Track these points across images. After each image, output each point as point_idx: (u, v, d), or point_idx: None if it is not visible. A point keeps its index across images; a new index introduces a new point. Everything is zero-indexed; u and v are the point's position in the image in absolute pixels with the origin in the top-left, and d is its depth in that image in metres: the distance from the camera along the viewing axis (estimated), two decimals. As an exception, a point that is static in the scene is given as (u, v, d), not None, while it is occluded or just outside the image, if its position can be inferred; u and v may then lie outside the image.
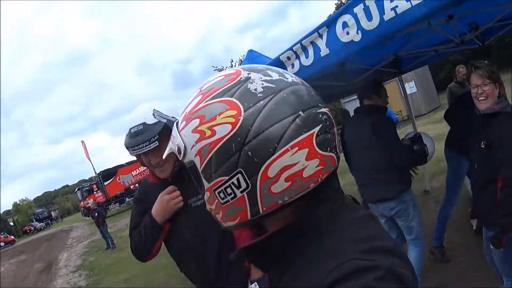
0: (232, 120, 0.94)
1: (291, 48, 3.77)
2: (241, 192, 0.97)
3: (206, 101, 1.00)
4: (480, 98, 3.28)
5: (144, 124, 2.44)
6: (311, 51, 3.57)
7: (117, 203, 41.17)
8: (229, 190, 0.98)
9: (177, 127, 1.08)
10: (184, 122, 1.03)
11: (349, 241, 0.93)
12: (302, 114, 0.97)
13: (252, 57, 7.16)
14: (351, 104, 20.77)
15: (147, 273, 10.81)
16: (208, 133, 0.96)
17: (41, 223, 74.43)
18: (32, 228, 70.71)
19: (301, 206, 1.02)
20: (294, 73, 1.23)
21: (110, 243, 18.76)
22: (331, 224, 1.00)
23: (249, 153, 0.93)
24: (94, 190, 41.70)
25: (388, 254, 0.91)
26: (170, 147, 1.11)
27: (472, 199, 3.76)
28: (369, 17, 2.98)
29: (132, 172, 40.38)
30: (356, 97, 5.06)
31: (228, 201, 0.99)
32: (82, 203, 42.69)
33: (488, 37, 5.94)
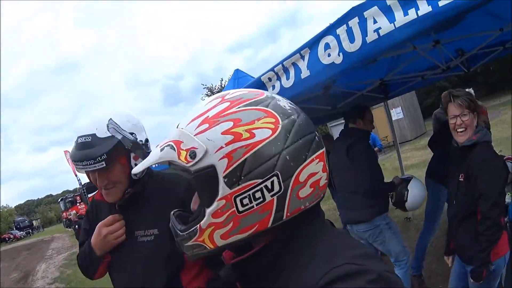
0: (272, 126, 1.00)
1: (272, 69, 3.69)
2: (272, 195, 0.99)
3: (238, 107, 1.03)
4: (459, 130, 3.22)
5: (93, 136, 2.08)
6: (292, 72, 3.48)
7: (100, 216, 40.59)
8: (258, 195, 0.98)
9: (186, 131, 1.06)
10: (205, 125, 1.02)
11: (340, 248, 0.99)
12: (317, 134, 1.08)
13: (238, 76, 7.22)
14: (338, 128, 20.89)
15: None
16: (246, 135, 0.99)
17: (22, 232, 72.57)
18: (11, 236, 68.65)
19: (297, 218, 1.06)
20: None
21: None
22: (320, 234, 1.06)
23: (287, 157, 1.00)
24: (78, 201, 41.08)
25: (378, 261, 0.96)
26: (169, 155, 1.05)
27: (448, 234, 3.66)
28: (351, 38, 2.90)
29: (116, 185, 39.79)
30: (342, 121, 5.08)
31: (251, 207, 0.99)
32: (64, 214, 41.84)
33: (473, 64, 6.02)
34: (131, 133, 2.18)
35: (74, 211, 28.43)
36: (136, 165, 2.07)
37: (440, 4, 2.46)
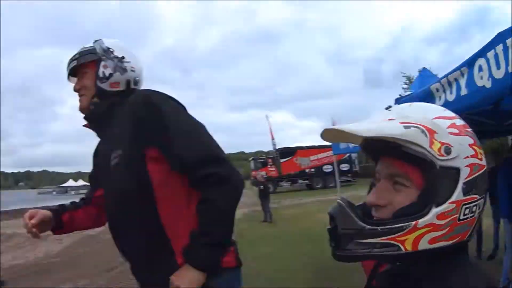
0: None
1: (439, 80, 3.76)
2: (479, 213, 1.04)
3: (471, 129, 1.10)
4: None
5: (83, 47, 2.35)
6: (454, 88, 3.48)
7: (289, 182, 40.99)
8: (474, 208, 1.02)
9: (440, 124, 1.06)
10: (456, 130, 1.05)
11: (477, 279, 1.03)
12: None
13: (425, 75, 7.21)
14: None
15: (291, 247, 11.34)
16: (480, 155, 1.04)
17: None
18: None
19: None
20: (441, 105, 1.34)
21: (267, 217, 18.51)
22: (463, 263, 1.07)
23: None
24: (269, 164, 41.25)
25: None
26: (418, 138, 1.01)
27: None
28: (498, 65, 2.77)
29: (311, 157, 39.85)
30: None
31: (467, 218, 1.01)
32: (253, 172, 39.63)
33: None
34: (109, 48, 2.32)
35: (263, 172, 28.46)
36: (104, 73, 2.26)
37: None
